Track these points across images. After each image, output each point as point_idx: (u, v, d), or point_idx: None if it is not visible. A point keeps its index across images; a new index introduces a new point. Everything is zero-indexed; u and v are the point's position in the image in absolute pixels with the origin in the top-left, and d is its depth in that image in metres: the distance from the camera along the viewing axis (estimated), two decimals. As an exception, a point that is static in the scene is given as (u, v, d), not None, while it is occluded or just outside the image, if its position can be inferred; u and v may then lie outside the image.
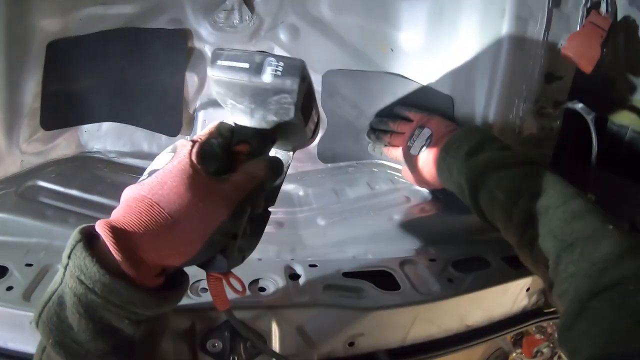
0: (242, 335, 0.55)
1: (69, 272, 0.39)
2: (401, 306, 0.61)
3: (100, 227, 0.39)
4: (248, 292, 0.60)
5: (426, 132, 0.81)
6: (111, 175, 0.85)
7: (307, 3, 0.91)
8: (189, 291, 0.59)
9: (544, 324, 1.61)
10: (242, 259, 0.50)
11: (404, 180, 0.91)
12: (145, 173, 0.44)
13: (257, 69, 0.44)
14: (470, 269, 0.69)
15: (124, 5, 0.87)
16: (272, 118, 0.47)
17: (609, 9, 0.72)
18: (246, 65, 0.45)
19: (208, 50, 0.91)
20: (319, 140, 0.96)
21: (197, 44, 0.90)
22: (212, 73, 0.46)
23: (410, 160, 0.83)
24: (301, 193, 0.90)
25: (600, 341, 0.41)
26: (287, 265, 0.67)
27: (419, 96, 0.91)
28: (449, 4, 0.85)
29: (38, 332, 0.40)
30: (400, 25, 0.92)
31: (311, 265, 0.68)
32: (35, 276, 0.61)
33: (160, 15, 0.89)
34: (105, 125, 0.92)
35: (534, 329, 1.65)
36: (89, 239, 0.40)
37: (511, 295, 0.69)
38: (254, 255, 0.70)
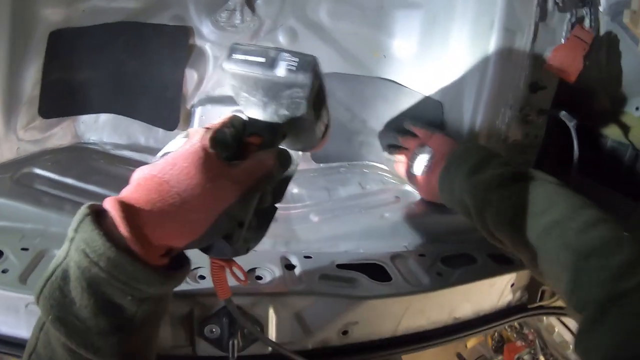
0: (239, 323, 0.56)
1: (75, 246, 0.39)
2: (394, 296, 0.64)
3: (109, 202, 0.40)
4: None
5: (427, 150, 0.81)
6: (107, 166, 0.86)
7: (306, 8, 0.94)
8: (187, 277, 0.60)
9: (525, 330, 1.65)
10: (247, 249, 0.51)
11: (393, 181, 0.93)
12: (158, 155, 0.45)
13: (272, 63, 0.46)
14: (458, 264, 0.72)
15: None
16: (284, 112, 0.49)
17: (593, 24, 0.77)
18: (262, 60, 0.46)
19: (209, 48, 0.93)
20: (312, 141, 0.99)
21: (198, 41, 0.92)
22: (228, 66, 0.47)
23: (413, 180, 0.84)
24: (295, 191, 0.91)
25: (617, 344, 0.42)
26: (283, 256, 0.69)
27: (410, 101, 0.95)
28: (442, 14, 0.89)
29: (38, 307, 0.40)
30: (395, 33, 0.96)
31: (306, 257, 0.69)
32: (31, 260, 0.60)
33: (163, 12, 0.90)
34: (103, 117, 0.93)
35: (515, 335, 1.68)
36: (97, 215, 0.40)
37: (497, 290, 0.72)
38: (249, 247, 0.72)
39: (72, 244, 0.39)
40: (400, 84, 0.97)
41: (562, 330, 1.46)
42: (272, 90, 0.47)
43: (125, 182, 0.43)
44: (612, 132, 0.84)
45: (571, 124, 0.77)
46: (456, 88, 0.87)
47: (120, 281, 0.39)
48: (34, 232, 0.67)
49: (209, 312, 0.58)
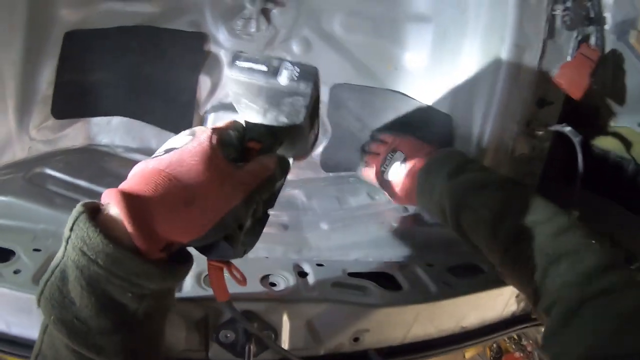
0: (244, 326, 0.56)
1: (71, 245, 0.38)
2: (404, 304, 0.65)
3: (112, 194, 0.38)
4: (262, 288, 0.62)
5: (399, 156, 0.83)
6: (119, 169, 0.86)
7: (321, 19, 0.96)
8: (202, 282, 0.61)
9: (524, 341, 1.65)
10: (244, 252, 0.51)
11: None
12: (161, 149, 0.45)
13: (274, 72, 0.47)
14: (465, 274, 0.73)
15: (145, 4, 0.89)
16: (283, 120, 0.50)
17: (599, 43, 0.78)
18: (264, 68, 0.48)
19: (224, 55, 0.94)
20: (323, 149, 1.01)
21: (213, 48, 0.93)
22: (230, 73, 0.48)
23: (386, 185, 0.86)
24: (304, 199, 0.92)
25: (587, 344, 0.43)
26: (296, 263, 0.70)
27: (420, 114, 0.96)
28: (453, 29, 0.91)
29: (40, 310, 0.39)
30: (406, 46, 0.98)
31: (318, 265, 0.70)
32: (44, 261, 0.60)
33: (180, 17, 0.91)
34: (116, 120, 0.93)
35: (514, 346, 1.69)
36: (92, 212, 0.39)
37: (503, 300, 0.73)
38: (262, 253, 0.73)
39: (68, 243, 0.38)
40: (411, 97, 0.98)
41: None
42: (273, 98, 0.49)
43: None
44: (615, 147, 0.86)
45: (576, 140, 0.78)
46: (466, 101, 0.89)
47: (120, 277, 0.38)
48: (46, 233, 0.67)
49: (224, 317, 0.58)
